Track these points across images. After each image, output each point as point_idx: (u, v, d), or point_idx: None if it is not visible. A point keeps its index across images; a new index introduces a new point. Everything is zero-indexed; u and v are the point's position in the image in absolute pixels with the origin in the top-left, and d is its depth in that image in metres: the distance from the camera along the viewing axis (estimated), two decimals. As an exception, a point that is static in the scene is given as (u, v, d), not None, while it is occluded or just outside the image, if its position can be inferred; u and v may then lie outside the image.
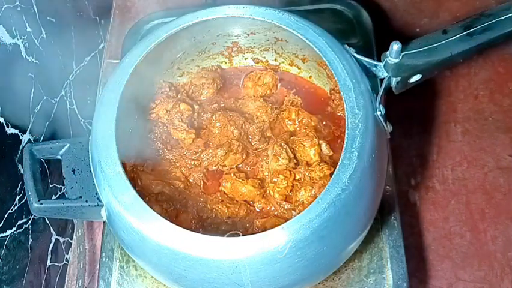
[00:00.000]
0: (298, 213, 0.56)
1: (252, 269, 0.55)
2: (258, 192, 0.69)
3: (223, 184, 0.70)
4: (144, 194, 0.68)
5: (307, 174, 0.68)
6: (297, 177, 0.68)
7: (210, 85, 0.77)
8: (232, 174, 0.70)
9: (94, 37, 0.99)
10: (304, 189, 0.67)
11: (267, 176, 0.70)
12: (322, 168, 0.68)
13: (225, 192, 0.70)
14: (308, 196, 0.67)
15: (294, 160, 0.70)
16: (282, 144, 0.70)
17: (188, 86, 0.78)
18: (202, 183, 0.71)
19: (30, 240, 0.73)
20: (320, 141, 0.70)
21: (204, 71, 0.79)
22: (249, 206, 0.69)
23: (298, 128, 0.73)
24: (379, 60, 0.65)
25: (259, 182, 0.70)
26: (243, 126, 0.73)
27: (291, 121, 0.74)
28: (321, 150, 0.70)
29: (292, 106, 0.75)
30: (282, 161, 0.69)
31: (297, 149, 0.70)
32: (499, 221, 0.85)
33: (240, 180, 0.69)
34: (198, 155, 0.72)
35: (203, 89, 0.77)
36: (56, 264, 0.81)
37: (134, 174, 0.70)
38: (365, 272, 0.72)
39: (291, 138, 0.71)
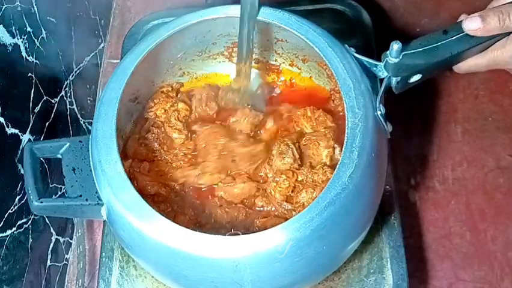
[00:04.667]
0: (298, 214, 0.56)
1: (252, 268, 0.55)
2: (254, 185, 0.69)
3: (216, 193, 0.70)
4: (140, 195, 0.68)
5: (309, 176, 0.68)
6: (300, 178, 0.68)
7: (210, 103, 0.76)
8: (219, 184, 0.70)
9: (94, 37, 0.99)
10: (306, 191, 0.67)
11: (270, 176, 0.70)
12: (325, 171, 0.67)
13: (222, 197, 0.70)
14: (309, 198, 0.66)
15: (298, 161, 0.70)
16: (289, 144, 0.70)
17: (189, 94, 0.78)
18: (192, 192, 0.71)
19: (30, 240, 0.73)
20: (335, 145, 0.70)
21: (209, 87, 0.78)
22: (247, 209, 0.69)
23: (315, 124, 0.73)
24: (379, 60, 0.65)
25: (247, 176, 0.70)
26: (226, 145, 0.72)
27: (307, 119, 0.73)
28: (334, 153, 0.70)
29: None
30: (287, 160, 0.69)
31: (310, 145, 0.70)
32: (499, 221, 0.84)
33: (229, 184, 0.69)
34: (189, 157, 0.72)
35: (204, 103, 0.76)
36: (56, 264, 0.81)
37: (131, 175, 0.70)
38: (365, 272, 0.72)
39: (307, 136, 0.71)
